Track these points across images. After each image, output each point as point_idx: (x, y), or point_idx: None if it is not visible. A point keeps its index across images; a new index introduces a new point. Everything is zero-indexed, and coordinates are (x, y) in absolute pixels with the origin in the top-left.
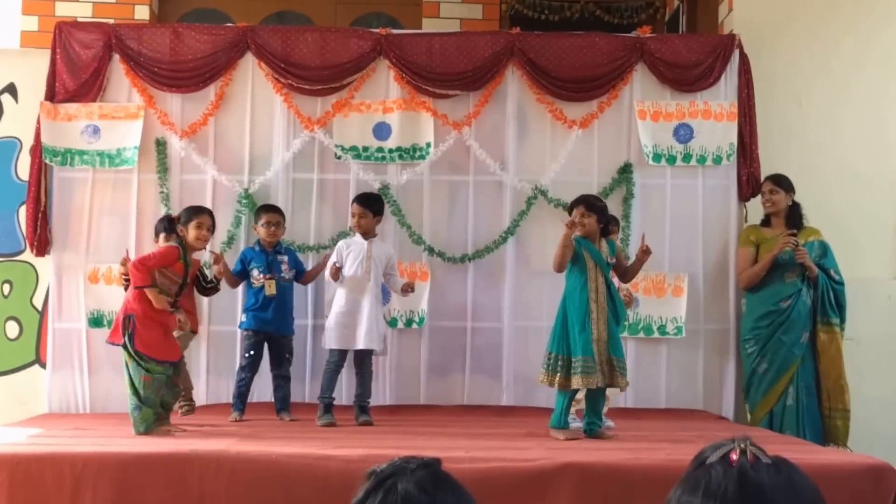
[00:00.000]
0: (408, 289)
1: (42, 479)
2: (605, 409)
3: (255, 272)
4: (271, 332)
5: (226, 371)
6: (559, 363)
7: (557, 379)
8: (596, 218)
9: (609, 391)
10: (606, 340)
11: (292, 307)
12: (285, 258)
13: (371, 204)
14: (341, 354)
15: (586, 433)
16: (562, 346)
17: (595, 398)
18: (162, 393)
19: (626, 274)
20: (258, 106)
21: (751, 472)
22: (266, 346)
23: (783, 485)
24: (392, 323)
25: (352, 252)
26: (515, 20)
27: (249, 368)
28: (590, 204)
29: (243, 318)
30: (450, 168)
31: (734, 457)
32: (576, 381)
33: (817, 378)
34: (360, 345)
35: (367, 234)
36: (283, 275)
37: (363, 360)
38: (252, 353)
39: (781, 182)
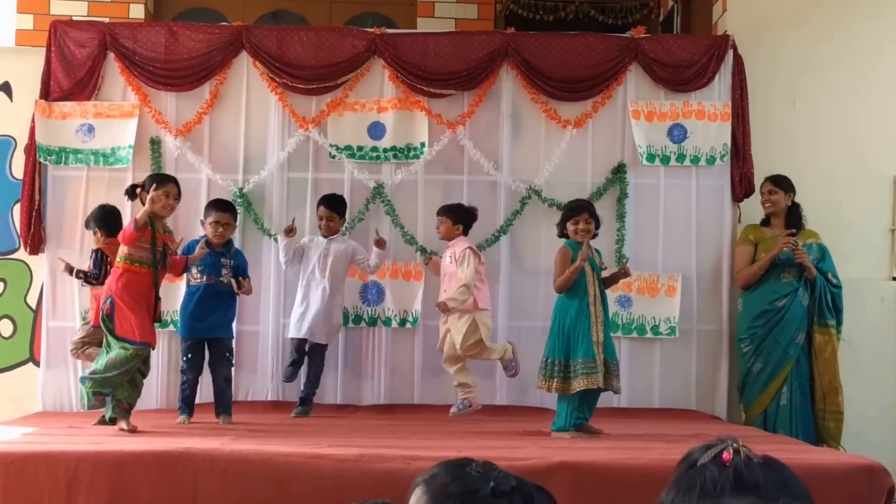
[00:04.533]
0: (380, 245)
1: (36, 478)
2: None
3: (193, 269)
4: (207, 336)
5: None
6: (556, 368)
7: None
8: (595, 223)
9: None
10: (604, 343)
11: (231, 309)
12: (229, 262)
13: (337, 206)
14: (297, 344)
15: (575, 426)
16: (560, 351)
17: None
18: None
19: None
20: (253, 105)
21: (746, 472)
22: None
23: (777, 483)
24: (386, 322)
25: (311, 248)
26: (510, 20)
27: (190, 371)
28: (592, 208)
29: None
30: (444, 168)
31: (727, 456)
32: (584, 382)
33: (811, 379)
34: (302, 333)
35: (329, 234)
36: (221, 279)
37: (314, 352)
38: (190, 355)
39: (780, 182)
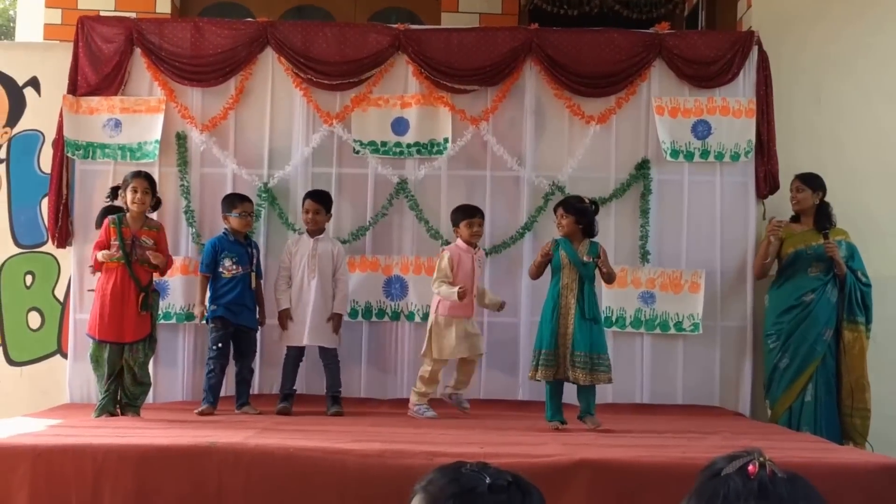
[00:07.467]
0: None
1: (63, 471)
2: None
3: (227, 262)
4: (241, 324)
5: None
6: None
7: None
8: (573, 219)
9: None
10: (572, 335)
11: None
12: (255, 252)
13: (325, 201)
14: (296, 350)
15: (578, 418)
16: (536, 340)
17: (584, 391)
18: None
19: (605, 277)
20: (278, 100)
21: (770, 486)
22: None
23: (800, 500)
24: (409, 317)
25: (299, 249)
26: (534, 15)
27: (220, 360)
28: (568, 205)
29: (213, 307)
30: (467, 163)
31: (752, 469)
32: (540, 373)
33: (837, 375)
34: (306, 341)
35: (314, 233)
36: (253, 269)
37: (325, 354)
38: (220, 345)
39: (809, 181)
